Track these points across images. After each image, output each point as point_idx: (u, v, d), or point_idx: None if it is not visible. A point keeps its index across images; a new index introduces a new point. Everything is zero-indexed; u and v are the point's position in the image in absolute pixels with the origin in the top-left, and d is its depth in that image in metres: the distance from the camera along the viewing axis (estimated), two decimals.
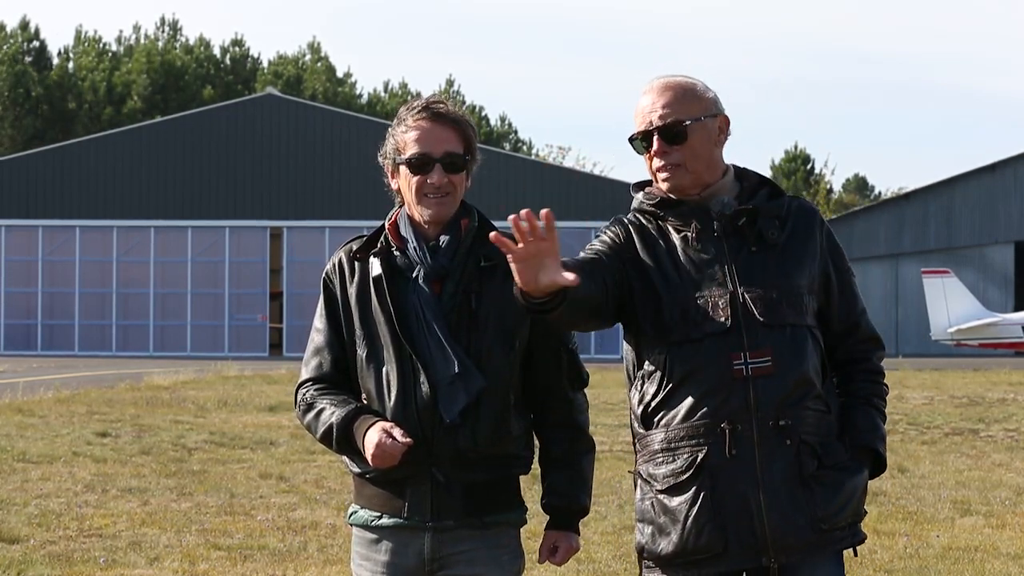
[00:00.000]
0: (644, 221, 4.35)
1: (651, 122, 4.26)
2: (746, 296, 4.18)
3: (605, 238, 4.35)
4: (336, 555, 10.20)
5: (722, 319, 4.17)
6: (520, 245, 3.88)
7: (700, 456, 4.16)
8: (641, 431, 4.31)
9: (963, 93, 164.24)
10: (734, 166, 4.41)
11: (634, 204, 4.40)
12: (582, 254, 4.31)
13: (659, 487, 4.23)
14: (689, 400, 4.19)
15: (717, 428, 4.15)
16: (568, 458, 4.55)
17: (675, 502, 4.20)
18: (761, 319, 4.17)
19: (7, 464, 15.11)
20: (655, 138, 4.26)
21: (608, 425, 19.82)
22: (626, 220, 4.37)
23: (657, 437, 4.24)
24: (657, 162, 4.28)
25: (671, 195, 4.32)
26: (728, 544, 4.16)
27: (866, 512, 4.34)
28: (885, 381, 4.44)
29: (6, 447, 16.42)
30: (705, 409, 4.16)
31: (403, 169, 4.45)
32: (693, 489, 4.17)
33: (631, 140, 4.31)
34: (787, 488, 4.14)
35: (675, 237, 4.29)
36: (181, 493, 13.32)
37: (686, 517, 4.18)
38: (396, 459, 4.30)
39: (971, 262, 58.57)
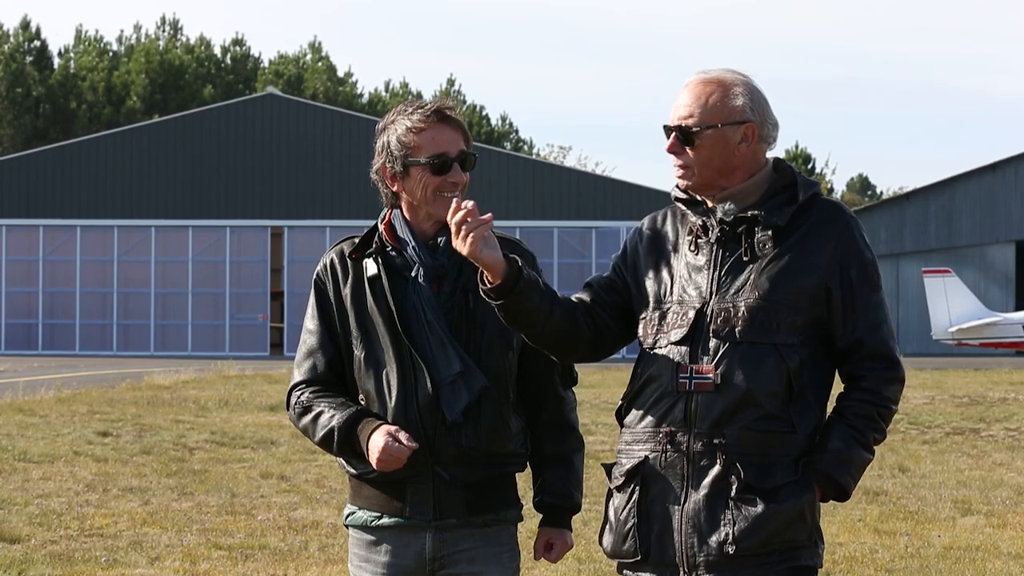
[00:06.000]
0: (670, 213, 4.36)
1: (673, 119, 4.27)
2: (713, 309, 4.16)
3: (616, 258, 4.39)
4: (337, 554, 10.21)
5: (683, 330, 4.17)
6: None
7: (639, 462, 4.20)
8: (621, 429, 4.37)
9: (963, 93, 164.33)
10: (776, 161, 4.30)
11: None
12: (596, 278, 4.38)
13: (611, 485, 4.29)
14: (643, 406, 4.22)
15: (657, 437, 4.17)
16: (562, 456, 4.58)
17: (615, 502, 4.26)
18: (716, 335, 4.13)
19: (8, 464, 15.11)
20: (672, 135, 4.27)
21: (608, 425, 19.79)
22: (646, 220, 4.38)
23: (623, 437, 4.30)
24: (672, 158, 4.29)
25: (688, 192, 4.31)
26: (649, 552, 4.18)
27: (810, 544, 4.11)
28: (883, 402, 4.17)
29: (7, 447, 16.42)
30: (651, 418, 4.19)
31: (417, 170, 4.44)
32: (627, 492, 4.22)
33: (664, 128, 4.32)
34: (708, 505, 4.11)
35: (684, 238, 4.29)
36: (182, 493, 13.32)
37: (619, 520, 4.24)
38: (402, 463, 4.31)
39: (972, 261, 58.56)
